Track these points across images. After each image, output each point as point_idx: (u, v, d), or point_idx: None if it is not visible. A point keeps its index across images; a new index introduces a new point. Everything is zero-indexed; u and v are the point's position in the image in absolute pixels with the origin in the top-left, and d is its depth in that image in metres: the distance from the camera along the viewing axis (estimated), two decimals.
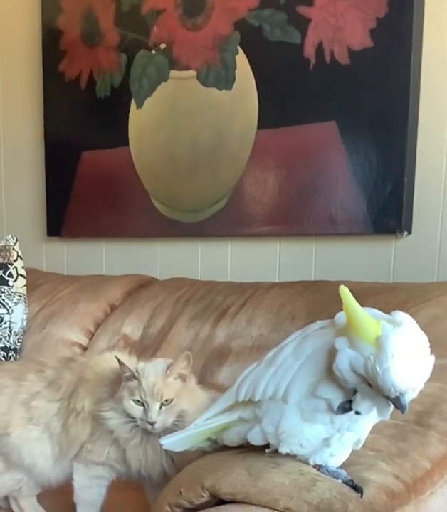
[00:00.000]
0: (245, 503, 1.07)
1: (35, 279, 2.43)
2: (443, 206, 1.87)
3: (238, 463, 1.16)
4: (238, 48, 2.15)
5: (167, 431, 1.38)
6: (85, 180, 2.57)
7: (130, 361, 1.50)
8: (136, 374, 1.41)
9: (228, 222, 2.24)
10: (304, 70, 2.03)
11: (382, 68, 1.91)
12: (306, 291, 1.93)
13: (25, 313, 2.25)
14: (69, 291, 2.34)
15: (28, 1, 2.65)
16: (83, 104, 2.55)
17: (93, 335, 2.20)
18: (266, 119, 2.13)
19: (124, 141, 2.44)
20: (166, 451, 1.40)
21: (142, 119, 2.41)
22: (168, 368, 1.42)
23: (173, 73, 2.31)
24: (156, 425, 1.40)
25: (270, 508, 1.04)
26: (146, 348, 2.04)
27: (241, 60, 2.15)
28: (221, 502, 1.10)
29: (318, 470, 1.09)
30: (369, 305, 1.83)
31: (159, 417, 1.39)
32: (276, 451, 1.14)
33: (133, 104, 2.41)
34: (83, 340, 2.20)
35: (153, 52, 2.34)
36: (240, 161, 2.19)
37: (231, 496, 1.08)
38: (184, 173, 2.32)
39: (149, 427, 1.40)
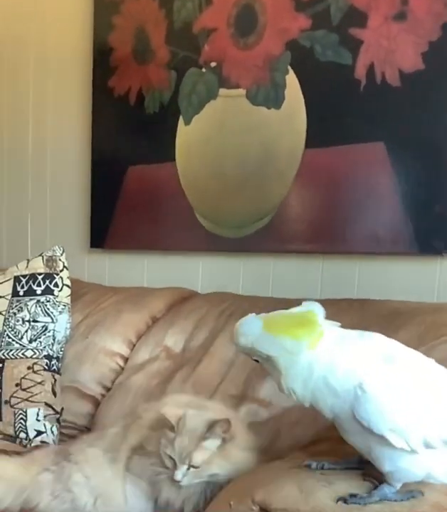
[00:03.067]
0: None
1: (78, 289, 2.45)
2: None
3: (289, 478, 1.17)
4: (289, 67, 2.18)
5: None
6: (130, 194, 2.60)
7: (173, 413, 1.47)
8: (175, 428, 1.41)
9: (271, 238, 2.26)
10: (354, 91, 2.05)
11: (433, 91, 1.92)
12: (350, 308, 1.92)
13: (69, 323, 2.27)
14: (112, 302, 2.36)
15: (81, 18, 2.71)
16: (131, 120, 2.59)
17: (134, 346, 2.21)
18: (314, 139, 2.15)
19: (171, 157, 2.48)
20: None
21: (189, 135, 2.44)
22: (208, 428, 1.40)
23: (222, 91, 2.34)
24: (182, 484, 1.40)
25: None
26: (188, 360, 2.04)
27: (291, 79, 2.18)
28: None
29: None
30: (416, 324, 1.83)
31: (185, 478, 1.39)
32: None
33: (181, 121, 2.45)
34: (125, 350, 2.21)
35: (203, 70, 2.37)
36: (286, 178, 2.21)
37: None
38: (231, 190, 2.35)
39: (174, 482, 1.40)
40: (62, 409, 2.14)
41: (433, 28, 1.91)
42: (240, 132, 2.32)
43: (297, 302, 2.04)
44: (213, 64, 2.35)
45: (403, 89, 1.97)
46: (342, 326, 1.93)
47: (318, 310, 1.12)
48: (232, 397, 1.85)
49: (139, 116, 2.56)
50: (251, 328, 1.14)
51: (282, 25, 2.19)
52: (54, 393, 2.15)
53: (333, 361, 1.10)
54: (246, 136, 2.30)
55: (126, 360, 2.20)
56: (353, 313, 1.91)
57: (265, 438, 1.71)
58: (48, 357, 2.21)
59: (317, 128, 2.14)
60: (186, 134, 2.45)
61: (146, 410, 1.62)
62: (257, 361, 1.19)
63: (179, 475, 1.39)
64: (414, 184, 1.97)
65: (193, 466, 1.39)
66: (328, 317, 2.00)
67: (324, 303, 2.01)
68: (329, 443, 1.38)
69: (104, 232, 2.67)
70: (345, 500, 1.09)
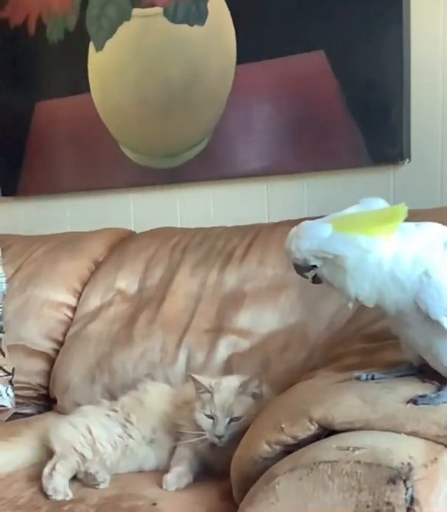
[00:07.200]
0: (364, 430, 1.02)
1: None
2: (442, 133, 1.85)
3: (346, 391, 1.11)
4: None
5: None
6: (40, 132, 2.40)
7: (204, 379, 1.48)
8: (210, 388, 1.43)
9: (209, 165, 2.15)
10: None
11: None
12: None
13: (3, 276, 2.08)
14: (43, 251, 2.17)
15: None
16: (32, 52, 2.37)
17: (81, 294, 2.06)
18: (246, 53, 2.04)
19: (84, 88, 2.30)
20: None
21: (103, 62, 2.27)
22: (241, 385, 1.42)
23: (136, 11, 2.19)
24: (223, 439, 1.39)
25: (396, 432, 1.01)
26: (148, 301, 1.92)
27: None
28: (331, 433, 1.05)
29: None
30: None
31: (227, 432, 1.39)
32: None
33: (92, 47, 2.27)
34: (71, 300, 2.06)
35: None
36: (219, 99, 2.10)
37: (349, 425, 1.04)
38: (157, 116, 2.21)
39: (215, 440, 1.40)
40: (14, 369, 1.97)
41: None
42: (161, 54, 2.18)
43: (254, 227, 1.96)
44: None
45: None
46: None
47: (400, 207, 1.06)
48: (207, 331, 1.77)
49: (41, 46, 2.34)
50: (318, 230, 1.08)
51: None
52: (2, 353, 1.97)
53: (399, 254, 1.06)
54: (168, 58, 2.17)
55: (74, 309, 2.05)
56: None
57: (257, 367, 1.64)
58: None
59: (248, 41, 2.03)
60: (99, 61, 2.28)
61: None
62: (312, 277, 1.11)
63: (221, 429, 1.39)
64: (359, 92, 1.90)
65: (235, 418, 1.39)
66: None
67: (285, 224, 1.92)
68: (357, 356, 1.34)
69: (14, 178, 2.47)
70: (415, 402, 1.05)
